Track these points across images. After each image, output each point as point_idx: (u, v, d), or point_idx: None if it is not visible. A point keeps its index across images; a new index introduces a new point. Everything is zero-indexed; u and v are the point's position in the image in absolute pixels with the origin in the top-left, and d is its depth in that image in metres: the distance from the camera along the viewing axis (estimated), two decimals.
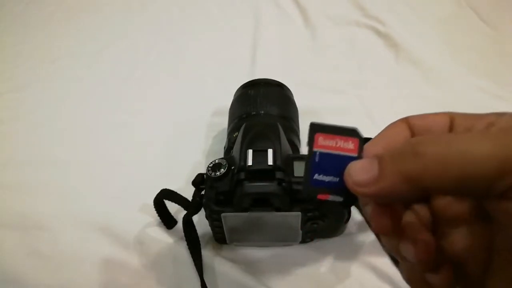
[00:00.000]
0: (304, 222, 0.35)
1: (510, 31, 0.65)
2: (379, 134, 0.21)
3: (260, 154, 0.33)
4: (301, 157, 0.35)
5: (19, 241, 0.42)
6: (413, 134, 0.20)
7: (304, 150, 0.43)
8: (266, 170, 0.32)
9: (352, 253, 0.40)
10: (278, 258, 0.40)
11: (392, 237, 0.19)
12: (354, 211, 0.42)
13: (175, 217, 0.42)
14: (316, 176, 0.20)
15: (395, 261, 0.39)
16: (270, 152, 0.33)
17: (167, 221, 0.41)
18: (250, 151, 0.33)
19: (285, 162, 0.33)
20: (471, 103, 0.53)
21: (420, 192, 0.16)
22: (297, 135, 0.43)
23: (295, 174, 0.33)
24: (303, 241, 0.39)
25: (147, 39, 0.68)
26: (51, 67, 0.63)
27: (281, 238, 0.39)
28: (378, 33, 0.66)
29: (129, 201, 0.44)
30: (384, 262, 0.39)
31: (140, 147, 0.51)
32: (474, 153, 0.15)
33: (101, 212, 0.43)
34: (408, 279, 0.21)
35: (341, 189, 0.19)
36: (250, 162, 0.32)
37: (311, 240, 0.40)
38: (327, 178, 0.19)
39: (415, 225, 0.20)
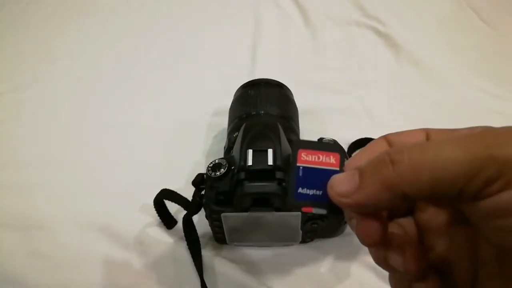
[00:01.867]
0: (304, 222, 0.35)
1: (510, 31, 0.65)
2: (360, 150, 0.22)
3: (260, 154, 0.33)
4: None
5: (19, 241, 0.42)
6: None
7: None
8: (266, 170, 0.32)
9: (352, 253, 0.40)
10: (278, 258, 0.40)
11: (379, 249, 0.20)
12: None
13: (175, 217, 0.42)
14: (300, 190, 0.20)
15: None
16: (270, 152, 0.33)
17: (167, 221, 0.41)
18: (250, 151, 0.33)
19: (285, 162, 0.33)
20: (471, 103, 0.53)
21: (400, 198, 0.16)
22: (297, 135, 0.43)
23: None
24: (303, 241, 0.39)
25: (147, 39, 0.68)
26: (51, 67, 0.63)
27: (281, 238, 0.39)
28: (378, 33, 0.66)
29: (129, 201, 0.44)
30: None
31: (140, 147, 0.51)
32: (445, 157, 0.15)
33: (101, 212, 0.43)
34: None
35: (325, 202, 0.20)
36: (250, 162, 0.32)
37: (311, 240, 0.40)
38: (310, 192, 0.20)
39: (402, 236, 0.20)
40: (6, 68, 0.63)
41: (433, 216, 0.20)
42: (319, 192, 0.20)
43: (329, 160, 0.20)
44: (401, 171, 0.16)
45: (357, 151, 0.22)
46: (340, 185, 0.18)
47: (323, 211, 0.20)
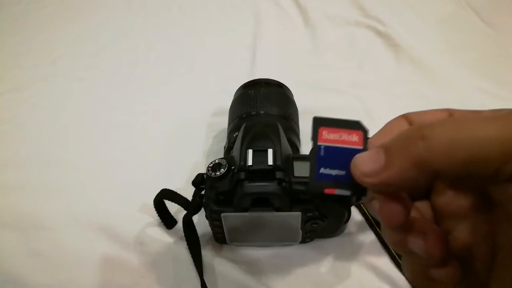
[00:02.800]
0: (304, 222, 0.35)
1: (510, 31, 0.65)
2: (380, 130, 0.21)
3: (260, 154, 0.33)
4: (301, 157, 0.35)
5: (19, 241, 0.42)
6: None
7: (304, 150, 0.43)
8: (266, 170, 0.32)
9: (352, 253, 0.40)
10: (278, 258, 0.40)
11: (399, 231, 0.19)
12: (354, 211, 0.42)
13: (175, 217, 0.42)
14: (322, 170, 0.19)
15: (395, 260, 0.39)
16: (270, 152, 0.33)
17: (167, 221, 0.41)
18: (250, 151, 0.33)
19: (285, 162, 0.33)
20: (471, 103, 0.52)
21: (429, 177, 0.16)
22: (297, 135, 0.43)
23: (295, 174, 0.33)
24: (303, 241, 0.39)
25: (147, 39, 0.68)
26: (51, 67, 0.63)
27: (281, 238, 0.39)
28: (378, 33, 0.66)
29: (129, 201, 0.44)
30: (384, 262, 0.39)
31: (140, 147, 0.51)
32: (482, 135, 0.15)
33: (101, 212, 0.43)
34: (411, 275, 0.20)
35: (348, 182, 0.19)
36: (250, 162, 0.32)
37: (311, 240, 0.40)
38: (333, 172, 0.19)
39: (421, 219, 0.19)
40: (6, 68, 0.63)
41: (452, 199, 0.20)
42: (342, 172, 0.19)
43: (352, 139, 0.19)
44: (434, 147, 0.15)
45: (377, 131, 0.21)
46: (365, 164, 0.18)
47: (346, 192, 0.19)
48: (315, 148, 0.19)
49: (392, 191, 0.18)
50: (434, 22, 0.68)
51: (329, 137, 0.19)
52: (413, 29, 0.66)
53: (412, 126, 0.17)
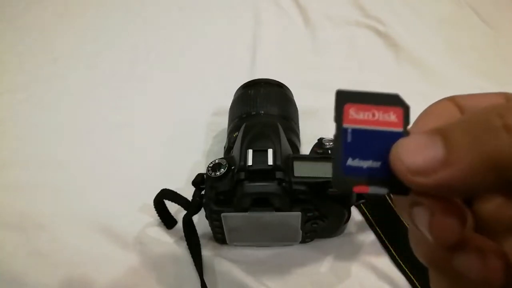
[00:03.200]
0: (304, 222, 0.35)
1: (510, 31, 0.65)
2: (421, 114, 0.17)
3: (260, 154, 0.33)
4: (301, 157, 0.35)
5: (19, 241, 0.42)
6: None
7: (304, 150, 0.43)
8: (266, 170, 0.32)
9: (352, 253, 0.40)
10: (278, 258, 0.40)
11: (438, 247, 0.14)
12: (354, 211, 0.42)
13: (175, 217, 0.42)
14: (349, 162, 0.15)
15: (395, 260, 0.39)
16: (270, 152, 0.33)
17: (167, 221, 0.41)
18: (250, 151, 0.33)
19: (285, 162, 0.33)
20: None
21: (508, 183, 0.12)
22: (297, 135, 0.43)
23: (295, 174, 0.33)
24: (303, 241, 0.39)
25: (147, 39, 0.68)
26: (51, 67, 0.63)
27: (281, 238, 0.39)
28: (378, 33, 0.66)
29: (129, 201, 0.44)
30: (384, 262, 0.39)
31: (140, 147, 0.51)
32: None
33: (101, 212, 0.43)
34: None
35: (386, 177, 0.14)
36: (250, 162, 0.32)
37: (311, 240, 0.40)
38: (365, 164, 0.15)
39: (475, 234, 0.15)
40: (6, 68, 0.63)
41: (503, 207, 0.15)
42: (376, 164, 0.15)
43: (389, 118, 0.15)
44: None
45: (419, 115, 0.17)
46: (414, 156, 0.13)
47: (383, 190, 0.15)
48: (339, 132, 0.15)
49: (447, 196, 0.13)
50: (434, 22, 0.68)
51: (358, 116, 0.15)
52: (413, 29, 0.66)
53: (485, 109, 0.12)
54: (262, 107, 0.42)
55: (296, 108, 0.46)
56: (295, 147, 0.40)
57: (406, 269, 0.38)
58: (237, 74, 0.57)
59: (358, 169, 0.15)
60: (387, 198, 0.43)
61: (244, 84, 0.46)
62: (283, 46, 0.65)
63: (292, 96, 0.47)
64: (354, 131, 0.15)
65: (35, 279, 0.39)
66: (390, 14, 0.69)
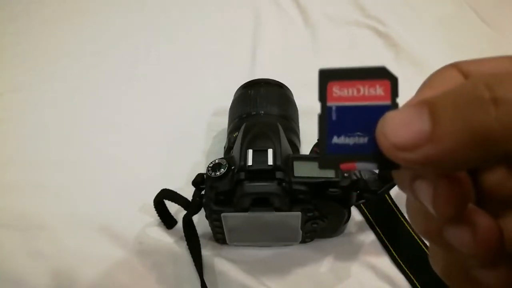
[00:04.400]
0: (304, 222, 0.35)
1: (510, 31, 0.65)
2: (423, 84, 0.16)
3: (260, 154, 0.33)
4: (301, 157, 0.35)
5: (19, 241, 0.42)
6: None
7: (304, 149, 0.43)
8: (266, 170, 0.32)
9: (352, 253, 0.40)
10: (278, 258, 0.40)
11: (429, 217, 0.14)
12: (354, 211, 0.42)
13: (175, 217, 0.42)
14: (335, 140, 0.15)
15: (395, 260, 0.39)
16: (270, 152, 0.33)
17: (167, 221, 0.41)
18: (250, 151, 0.33)
19: (285, 162, 0.33)
20: None
21: (494, 157, 0.11)
22: (297, 135, 0.43)
23: (295, 174, 0.33)
24: (303, 241, 0.39)
25: (147, 39, 0.68)
26: (51, 67, 0.63)
27: (281, 238, 0.39)
28: (378, 33, 0.66)
29: (129, 201, 0.44)
30: (384, 262, 0.39)
31: (140, 147, 0.51)
32: None
33: (101, 212, 0.43)
34: (445, 274, 0.16)
35: (374, 153, 0.14)
36: (250, 162, 0.32)
37: (311, 240, 0.40)
38: (351, 141, 0.14)
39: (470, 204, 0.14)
40: (6, 68, 0.63)
41: (505, 180, 0.14)
42: (363, 140, 0.14)
43: (374, 92, 0.14)
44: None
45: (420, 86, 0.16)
46: (399, 131, 0.12)
47: (372, 166, 0.14)
48: (324, 110, 0.15)
49: (436, 171, 0.13)
50: (434, 22, 0.68)
51: (343, 93, 0.15)
52: (413, 29, 0.66)
53: (473, 79, 0.11)
54: (262, 107, 0.42)
55: (296, 108, 0.46)
56: (295, 147, 0.40)
57: (406, 269, 0.38)
58: (237, 74, 0.57)
59: (344, 146, 0.14)
60: (387, 198, 0.43)
61: (244, 84, 0.46)
62: (283, 46, 0.65)
63: (292, 96, 0.47)
64: (339, 108, 0.15)
65: (35, 279, 0.39)
66: (390, 14, 0.69)
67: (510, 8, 0.70)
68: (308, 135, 0.43)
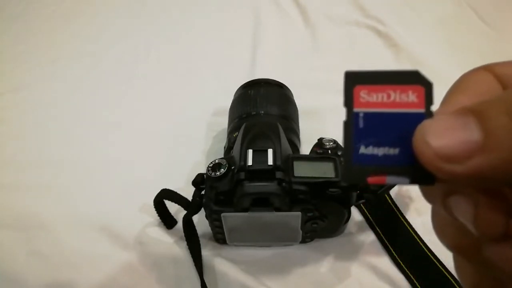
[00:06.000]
0: (304, 222, 0.35)
1: (510, 31, 0.65)
2: (452, 89, 0.15)
3: (260, 154, 0.33)
4: (301, 157, 0.35)
5: (19, 241, 0.42)
6: (505, 89, 0.14)
7: (304, 149, 0.43)
8: (266, 170, 0.32)
9: (352, 253, 0.40)
10: (278, 258, 0.40)
11: (466, 233, 0.13)
12: (354, 211, 0.42)
13: (175, 217, 0.42)
14: (362, 150, 0.13)
15: (395, 260, 0.39)
16: (270, 152, 0.33)
17: (167, 221, 0.41)
18: (250, 151, 0.33)
19: (285, 162, 0.33)
20: None
21: None
22: (297, 135, 0.43)
23: (295, 174, 0.33)
24: (303, 241, 0.39)
25: (147, 39, 0.68)
26: (51, 67, 0.63)
27: (281, 238, 0.39)
28: (378, 33, 0.66)
29: (129, 201, 0.44)
30: (384, 262, 0.39)
31: (140, 147, 0.51)
32: None
33: (101, 212, 0.43)
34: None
35: (406, 165, 0.13)
36: (250, 162, 0.32)
37: (311, 240, 0.40)
38: (380, 151, 0.13)
39: None
40: (6, 68, 0.63)
41: None
42: (394, 151, 0.13)
43: (407, 98, 0.13)
44: None
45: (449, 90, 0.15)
46: (444, 140, 0.11)
47: (403, 180, 0.13)
48: (350, 117, 0.13)
49: (485, 186, 0.12)
50: (434, 22, 0.68)
51: (371, 98, 0.13)
52: (413, 29, 0.66)
53: None
54: (262, 107, 0.42)
55: (296, 108, 0.46)
56: (295, 147, 0.40)
57: (406, 269, 0.38)
58: (237, 74, 0.57)
59: (373, 157, 0.13)
60: (387, 198, 0.43)
61: (244, 84, 0.46)
62: (283, 46, 0.65)
63: (292, 96, 0.47)
64: (367, 115, 0.13)
65: (35, 279, 0.39)
66: (390, 14, 0.69)
67: (510, 8, 0.70)
68: (308, 135, 0.43)
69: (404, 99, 0.13)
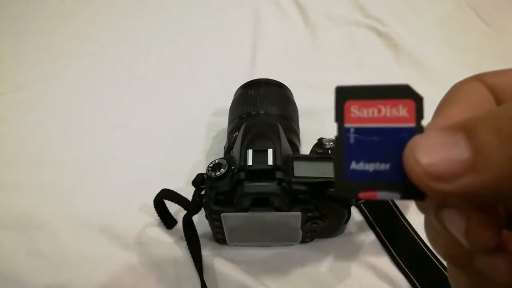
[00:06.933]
0: (304, 222, 0.35)
1: (510, 31, 0.65)
2: (444, 101, 0.14)
3: (260, 154, 0.33)
4: (301, 157, 0.35)
5: (19, 241, 0.42)
6: (498, 100, 0.14)
7: (304, 150, 0.43)
8: (266, 170, 0.32)
9: (352, 253, 0.40)
10: (278, 258, 0.40)
11: (457, 244, 0.13)
12: (354, 211, 0.42)
13: (175, 217, 0.42)
14: (353, 165, 0.13)
15: (395, 260, 0.39)
16: (270, 152, 0.33)
17: (167, 221, 0.41)
18: (250, 151, 0.33)
19: (285, 162, 0.33)
20: None
21: None
22: (297, 135, 0.43)
23: (295, 174, 0.33)
24: (303, 241, 0.39)
25: (147, 39, 0.68)
26: (51, 67, 0.63)
27: (281, 238, 0.39)
28: (378, 33, 0.66)
29: (129, 201, 0.44)
30: (384, 262, 0.39)
31: (140, 147, 0.51)
32: None
33: (101, 212, 0.43)
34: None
35: (397, 181, 0.13)
36: (250, 162, 0.32)
37: (311, 240, 0.40)
38: (371, 167, 0.13)
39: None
40: (6, 68, 0.63)
41: None
42: (385, 167, 0.13)
43: (397, 113, 0.13)
44: None
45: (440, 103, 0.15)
46: (433, 158, 0.11)
47: (394, 196, 0.13)
48: (341, 132, 0.14)
49: (470, 203, 0.12)
50: (434, 22, 0.68)
51: (362, 114, 0.13)
52: (413, 29, 0.66)
53: None
54: (262, 107, 0.42)
55: (296, 108, 0.46)
56: (295, 147, 0.40)
57: (406, 269, 0.38)
58: (237, 74, 0.57)
59: (364, 173, 0.13)
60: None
61: (244, 84, 0.46)
62: (283, 46, 0.65)
63: (292, 96, 0.47)
64: (358, 130, 0.13)
65: (35, 279, 0.39)
66: (390, 14, 0.69)
67: (510, 8, 0.70)
68: (308, 135, 0.43)
69: (395, 114, 0.13)
